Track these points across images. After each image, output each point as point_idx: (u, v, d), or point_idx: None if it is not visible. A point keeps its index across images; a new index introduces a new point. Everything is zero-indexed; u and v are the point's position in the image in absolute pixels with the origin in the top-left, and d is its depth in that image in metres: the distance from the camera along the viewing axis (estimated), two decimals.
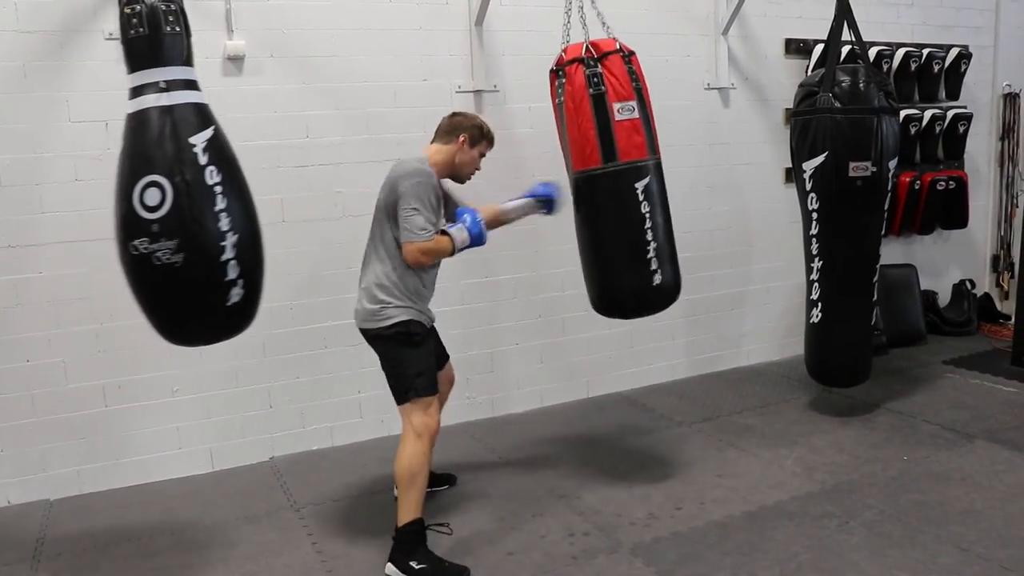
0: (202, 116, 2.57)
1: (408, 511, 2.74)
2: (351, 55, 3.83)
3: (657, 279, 3.17)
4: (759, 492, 3.30)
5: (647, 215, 3.10)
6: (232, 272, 2.53)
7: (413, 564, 2.71)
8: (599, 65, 3.09)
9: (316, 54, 3.77)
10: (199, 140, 2.51)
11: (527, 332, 4.38)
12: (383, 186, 2.86)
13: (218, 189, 2.51)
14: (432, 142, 3.00)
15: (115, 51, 3.37)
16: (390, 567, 2.74)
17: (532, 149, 4.10)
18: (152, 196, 2.43)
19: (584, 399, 4.57)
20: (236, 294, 2.56)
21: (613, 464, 3.65)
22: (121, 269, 2.54)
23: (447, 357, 3.24)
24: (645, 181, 3.10)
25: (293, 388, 3.90)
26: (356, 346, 3.04)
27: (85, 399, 3.53)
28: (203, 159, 2.50)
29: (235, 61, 3.62)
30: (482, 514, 3.22)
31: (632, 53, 3.19)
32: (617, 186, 3.11)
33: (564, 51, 3.22)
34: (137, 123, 2.50)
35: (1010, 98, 5.77)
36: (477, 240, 2.87)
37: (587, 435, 4.04)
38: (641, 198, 3.09)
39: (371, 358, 2.93)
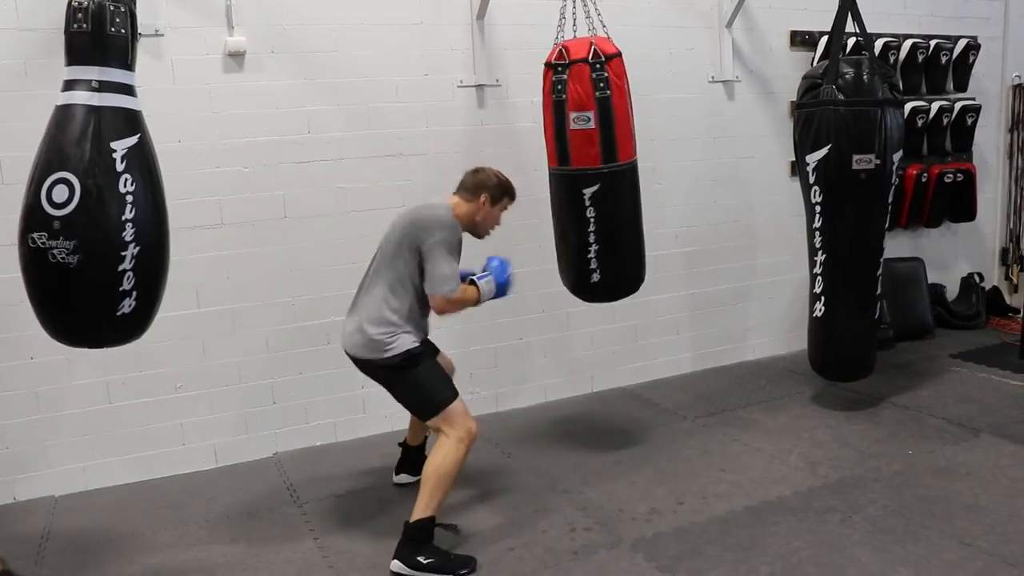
0: (130, 122, 2.52)
1: (427, 508, 2.74)
2: (352, 50, 3.83)
3: (595, 277, 3.43)
4: (762, 487, 3.29)
5: (592, 219, 3.32)
6: (127, 283, 2.47)
7: (421, 559, 2.72)
8: (566, 72, 3.21)
9: (317, 50, 3.77)
10: (120, 146, 2.46)
11: (530, 327, 4.38)
12: (403, 221, 2.89)
13: (129, 199, 2.46)
14: (455, 193, 3.02)
15: None
16: (397, 564, 2.73)
17: (534, 143, 4.05)
18: (60, 193, 2.39)
19: (588, 394, 4.56)
20: (128, 305, 2.49)
21: (616, 459, 3.65)
22: (18, 258, 2.49)
23: (437, 350, 3.23)
24: (594, 188, 3.30)
25: (296, 384, 3.91)
26: None
27: (89, 396, 3.55)
28: (120, 166, 2.45)
29: (236, 57, 3.63)
30: (484, 508, 3.22)
31: (611, 57, 3.21)
32: (568, 188, 3.37)
33: (554, 48, 3.30)
34: (62, 117, 2.46)
35: (1019, 89, 5.70)
36: (502, 291, 3.02)
37: (590, 430, 4.04)
38: (588, 203, 3.31)
39: None
